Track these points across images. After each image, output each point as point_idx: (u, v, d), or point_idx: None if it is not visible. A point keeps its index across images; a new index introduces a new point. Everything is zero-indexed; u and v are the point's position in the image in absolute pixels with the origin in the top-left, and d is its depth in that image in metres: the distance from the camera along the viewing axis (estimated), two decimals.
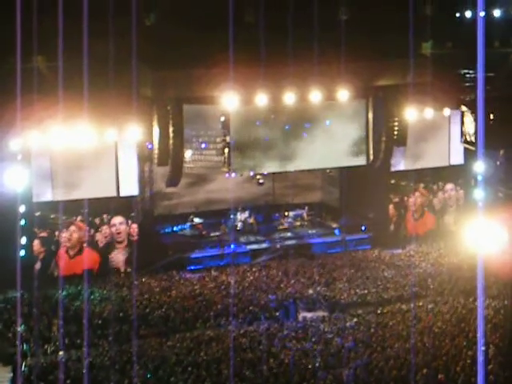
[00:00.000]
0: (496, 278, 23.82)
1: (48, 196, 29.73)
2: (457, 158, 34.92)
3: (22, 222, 28.11)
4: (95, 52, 26.61)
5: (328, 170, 36.63)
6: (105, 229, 31.13)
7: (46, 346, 23.12)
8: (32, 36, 26.22)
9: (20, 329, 23.54)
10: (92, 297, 27.32)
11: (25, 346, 22.88)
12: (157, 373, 20.87)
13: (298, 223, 35.84)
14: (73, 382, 20.20)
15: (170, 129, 30.53)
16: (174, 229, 34.83)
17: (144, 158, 31.44)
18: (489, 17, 34.10)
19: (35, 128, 28.35)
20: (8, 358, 22.78)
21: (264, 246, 33.17)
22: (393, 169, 34.49)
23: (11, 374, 21.32)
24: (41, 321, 24.55)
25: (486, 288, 21.37)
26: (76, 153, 29.18)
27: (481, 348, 18.68)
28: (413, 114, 33.10)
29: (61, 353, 22.55)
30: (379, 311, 26.06)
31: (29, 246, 28.87)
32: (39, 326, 24.17)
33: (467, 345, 22.00)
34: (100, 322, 24.94)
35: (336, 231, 34.85)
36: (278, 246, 33.09)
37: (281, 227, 35.33)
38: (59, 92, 26.23)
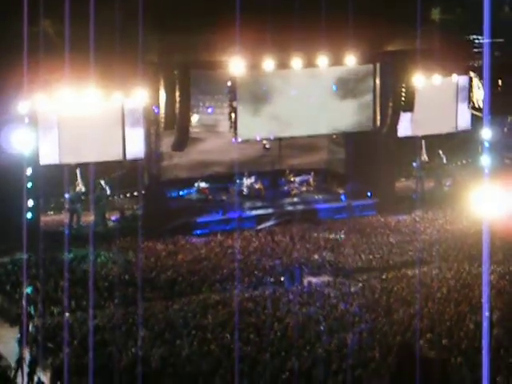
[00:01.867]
0: (501, 243, 23.88)
1: (55, 159, 29.79)
2: (464, 124, 34.86)
3: (29, 185, 28.19)
4: (102, 17, 26.49)
5: (334, 136, 36.54)
6: None
7: (52, 308, 23.29)
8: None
9: (27, 290, 23.69)
10: (98, 260, 27.46)
11: (32, 307, 23.05)
12: (163, 335, 21.02)
13: (304, 189, 35.82)
14: (79, 344, 20.34)
15: (177, 93, 30.50)
16: (181, 193, 34.88)
17: (150, 121, 31.43)
18: None
19: (42, 91, 28.36)
20: (15, 318, 22.98)
21: (270, 211, 33.20)
22: (399, 134, 34.41)
23: (18, 335, 21.48)
24: (47, 283, 24.73)
25: (491, 254, 21.39)
26: (83, 116, 29.20)
27: (485, 313, 18.76)
28: (420, 79, 32.97)
29: (67, 314, 22.72)
30: (384, 276, 26.16)
31: (35, 208, 28.97)
32: (46, 287, 24.35)
33: (471, 310, 22.09)
34: (106, 284, 25.07)
35: (342, 197, 34.85)
36: (284, 211, 33.14)
37: (289, 193, 35.31)
38: (66, 56, 26.16)
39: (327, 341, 20.66)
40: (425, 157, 35.66)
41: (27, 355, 20.14)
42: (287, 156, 36.35)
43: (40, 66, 26.74)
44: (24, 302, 23.00)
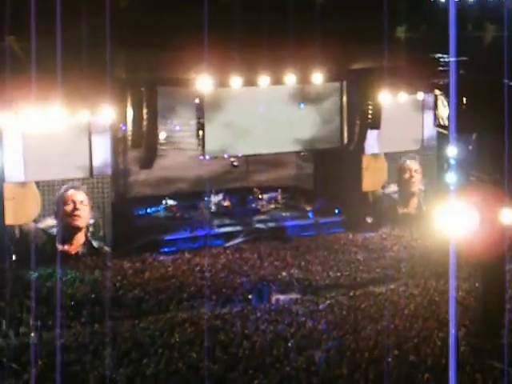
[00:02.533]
0: (467, 260, 24.04)
1: (20, 177, 29.56)
2: (430, 142, 35.15)
3: None
4: (68, 33, 26.42)
5: (302, 153, 36.68)
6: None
7: (17, 328, 23.03)
8: (4, 15, 25.99)
9: None
10: (65, 278, 27.24)
11: None
12: (129, 355, 20.89)
13: (272, 206, 35.87)
14: (45, 364, 20.16)
15: (144, 111, 30.40)
16: (148, 210, 34.76)
17: (118, 139, 31.31)
18: (462, 0, 34.25)
19: (7, 108, 28.11)
20: None
21: (238, 228, 33.18)
22: (366, 152, 34.60)
23: None
24: (12, 302, 24.46)
25: (457, 270, 21.56)
26: (49, 134, 28.97)
27: (452, 330, 18.89)
28: (387, 97, 33.20)
29: (32, 334, 22.50)
30: (351, 294, 26.21)
31: (1, 227, 28.67)
32: (10, 306, 24.09)
33: (438, 327, 22.23)
34: (72, 303, 24.89)
35: (310, 214, 34.93)
36: (252, 228, 33.14)
37: (257, 210, 35.34)
38: (32, 72, 26.02)
39: (295, 358, 20.67)
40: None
41: None
42: (255, 173, 36.42)
43: (5, 82, 26.57)
44: None
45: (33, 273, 27.08)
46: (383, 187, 35.10)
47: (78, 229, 30.40)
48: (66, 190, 30.25)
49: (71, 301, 25.01)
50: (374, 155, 34.61)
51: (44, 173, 29.64)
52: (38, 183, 29.77)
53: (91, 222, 30.65)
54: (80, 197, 30.40)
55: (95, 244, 30.51)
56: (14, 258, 28.79)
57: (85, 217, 30.51)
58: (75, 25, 27.21)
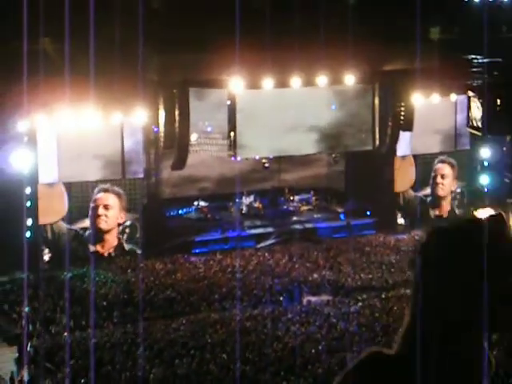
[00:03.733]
0: None
1: (54, 178, 29.79)
2: (463, 144, 34.91)
3: (28, 204, 28.16)
4: (102, 34, 26.54)
5: (334, 155, 36.57)
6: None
7: (51, 327, 23.23)
8: (39, 17, 26.16)
9: (26, 310, 23.64)
10: (97, 279, 27.41)
11: (30, 326, 22.99)
12: (161, 355, 20.96)
13: (304, 207, 35.83)
14: (78, 363, 20.30)
15: (176, 112, 30.53)
16: (180, 212, 34.85)
17: (150, 141, 31.45)
18: (496, 2, 33.90)
19: (42, 110, 28.33)
20: (14, 338, 22.91)
21: (269, 229, 33.17)
22: (399, 154, 34.45)
23: (17, 355, 21.41)
24: (46, 302, 24.66)
25: None
26: (82, 135, 29.19)
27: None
28: (419, 99, 33.02)
29: (65, 334, 22.66)
30: (383, 296, 26.12)
31: (34, 228, 28.93)
32: (44, 307, 24.29)
33: None
34: (105, 303, 25.04)
35: (341, 216, 34.84)
36: (283, 230, 33.12)
37: (288, 211, 35.31)
38: (65, 74, 26.17)
39: (327, 360, 20.61)
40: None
41: (26, 375, 20.07)
42: (286, 174, 36.40)
43: (39, 84, 26.74)
44: (23, 322, 22.95)
45: (66, 273, 27.26)
46: (415, 189, 34.93)
47: (105, 231, 30.59)
48: (97, 193, 30.47)
49: (104, 301, 25.13)
50: (405, 157, 34.49)
51: (77, 174, 29.85)
52: (70, 184, 30.01)
53: (127, 223, 30.85)
54: (105, 200, 30.58)
55: (126, 246, 30.66)
56: (47, 258, 29.02)
57: (110, 220, 30.66)
58: (108, 27, 27.32)
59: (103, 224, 30.67)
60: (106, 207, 30.70)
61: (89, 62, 25.98)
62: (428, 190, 35.24)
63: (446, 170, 35.25)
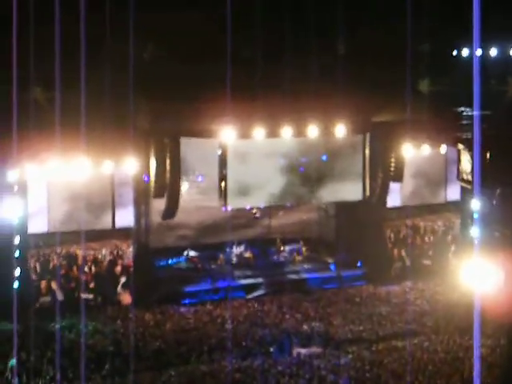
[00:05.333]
0: (491, 316, 23.75)
1: (43, 227, 29.69)
2: (453, 196, 35.03)
3: (17, 254, 28.00)
4: (93, 84, 26.71)
5: (324, 205, 36.63)
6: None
7: (37, 380, 22.94)
8: (29, 66, 26.34)
9: (12, 362, 23.36)
10: (86, 329, 27.16)
11: (16, 379, 22.70)
12: None
13: (294, 258, 35.75)
14: None
15: (167, 161, 30.56)
16: (169, 262, 34.72)
17: (140, 190, 31.44)
18: (485, 55, 34.34)
19: (32, 160, 28.35)
20: None
21: (260, 280, 33.04)
22: (389, 205, 34.51)
23: None
24: (33, 353, 24.39)
25: (482, 326, 21.29)
26: (72, 185, 29.18)
27: None
28: (410, 150, 33.20)
29: None
30: (374, 348, 25.95)
31: (23, 278, 28.71)
32: (31, 358, 24.01)
33: None
34: (93, 355, 24.78)
35: (331, 266, 34.76)
36: (274, 280, 32.98)
37: (279, 262, 35.23)
38: (56, 124, 26.26)
39: None
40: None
41: None
42: (277, 225, 36.39)
43: (30, 133, 26.80)
44: (9, 374, 22.68)
45: (54, 324, 27.05)
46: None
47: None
48: None
49: (91, 353, 24.87)
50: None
51: (67, 224, 29.77)
52: None
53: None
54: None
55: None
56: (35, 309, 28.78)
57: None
58: (99, 76, 27.50)
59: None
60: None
61: (80, 111, 26.12)
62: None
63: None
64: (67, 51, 25.62)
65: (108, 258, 31.36)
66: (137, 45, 28.54)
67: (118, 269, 31.18)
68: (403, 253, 34.69)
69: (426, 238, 35.74)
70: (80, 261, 30.40)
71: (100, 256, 31.24)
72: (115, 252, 31.53)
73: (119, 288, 30.63)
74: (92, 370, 23.80)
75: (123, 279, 30.76)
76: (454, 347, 25.28)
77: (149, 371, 24.08)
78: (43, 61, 26.23)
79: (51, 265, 30.23)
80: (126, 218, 31.05)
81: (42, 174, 28.84)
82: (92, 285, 30.41)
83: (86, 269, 30.48)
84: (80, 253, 30.37)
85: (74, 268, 30.42)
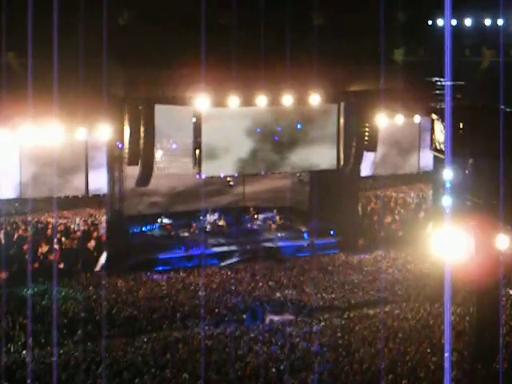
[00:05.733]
0: (462, 285, 23.99)
1: (16, 193, 29.52)
2: (426, 165, 35.22)
3: None
4: (67, 49, 26.48)
5: (298, 174, 36.71)
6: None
7: (9, 345, 22.93)
8: (2, 31, 26.05)
9: None
10: (58, 296, 27.15)
11: None
12: (121, 374, 20.77)
13: (267, 226, 35.87)
14: (37, 382, 20.04)
15: (141, 128, 30.44)
16: (143, 229, 34.71)
17: (114, 157, 31.31)
18: (460, 26, 34.41)
19: (4, 125, 28.11)
20: None
21: (233, 248, 33.14)
22: (362, 174, 34.65)
23: None
24: (5, 319, 24.35)
25: (452, 295, 21.53)
26: (45, 150, 28.99)
27: (447, 354, 18.81)
28: (384, 120, 33.28)
29: (24, 352, 22.39)
30: (346, 316, 26.15)
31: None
32: (3, 324, 23.98)
33: (432, 351, 22.15)
34: (66, 321, 24.79)
35: (305, 235, 34.91)
36: (247, 248, 33.10)
37: (252, 230, 35.35)
38: (29, 89, 26.03)
39: (288, 380, 20.57)
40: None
41: None
42: (250, 193, 36.44)
43: (2, 98, 26.57)
44: None
45: (27, 290, 27.01)
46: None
47: None
48: None
49: (64, 319, 24.88)
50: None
51: (40, 190, 29.63)
52: None
53: None
54: None
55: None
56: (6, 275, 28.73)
57: None
58: (73, 41, 27.26)
59: None
60: None
61: (53, 76, 25.87)
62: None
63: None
64: (41, 16, 25.33)
65: (82, 228, 31.30)
66: (112, 11, 28.31)
67: (92, 244, 31.12)
68: (376, 222, 34.97)
69: (398, 208, 36.03)
70: (51, 231, 30.37)
71: (73, 226, 31.16)
72: (89, 221, 31.47)
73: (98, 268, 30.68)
74: (64, 335, 23.80)
75: (103, 260, 30.75)
76: (424, 315, 25.54)
77: (121, 337, 24.09)
78: (16, 26, 25.94)
79: (20, 232, 30.16)
80: (99, 184, 30.90)
81: (14, 139, 28.57)
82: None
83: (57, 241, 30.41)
84: (52, 221, 30.30)
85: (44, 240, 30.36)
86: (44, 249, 29.98)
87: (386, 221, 35.35)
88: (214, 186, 35.15)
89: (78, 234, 31.13)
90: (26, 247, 29.60)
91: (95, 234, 31.38)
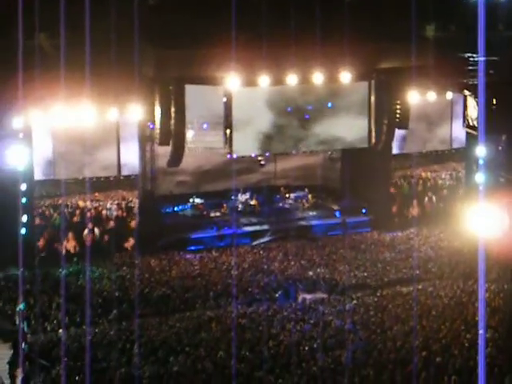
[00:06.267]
0: (496, 261, 23.85)
1: (49, 174, 29.76)
2: (459, 142, 34.96)
3: (24, 200, 28.09)
4: (98, 30, 26.50)
5: (330, 152, 36.60)
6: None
7: (45, 324, 23.20)
8: (34, 12, 26.12)
9: (20, 306, 23.59)
10: (92, 275, 27.38)
11: (25, 323, 22.95)
12: (156, 353, 20.93)
13: (299, 205, 35.86)
14: (72, 360, 20.27)
15: (172, 109, 30.47)
16: (175, 209, 34.85)
17: (145, 137, 31.41)
18: (494, 0, 33.87)
19: (37, 106, 28.26)
20: (8, 335, 22.87)
21: (265, 227, 33.18)
22: (394, 151, 34.47)
23: (11, 351, 21.38)
24: (41, 299, 24.63)
25: (486, 272, 21.40)
26: (78, 132, 29.17)
27: (481, 331, 18.70)
28: (415, 96, 33.03)
29: (60, 331, 22.64)
30: (378, 294, 26.14)
31: (30, 224, 28.86)
32: (39, 303, 24.25)
33: (465, 328, 22.05)
34: (100, 300, 25.01)
35: (337, 213, 34.86)
36: (279, 227, 33.12)
37: (284, 209, 35.36)
38: (61, 70, 26.13)
39: (321, 358, 20.60)
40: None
41: (20, 372, 20.04)
42: (282, 172, 36.41)
43: (35, 80, 26.69)
44: (17, 319, 22.92)
45: (61, 270, 27.27)
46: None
47: None
48: None
49: (99, 298, 25.11)
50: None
51: (72, 171, 29.84)
52: None
53: None
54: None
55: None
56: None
57: None
58: (104, 22, 27.27)
59: None
60: None
61: (84, 57, 25.95)
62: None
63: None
64: None
65: (114, 213, 31.47)
66: None
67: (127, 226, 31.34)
68: (408, 200, 34.83)
69: (431, 186, 35.84)
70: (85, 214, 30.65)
71: (105, 211, 31.34)
72: (123, 205, 31.63)
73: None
74: (99, 314, 24.03)
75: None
76: (457, 292, 25.43)
77: (155, 316, 24.29)
78: (48, 7, 25.99)
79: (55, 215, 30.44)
80: (131, 165, 31.03)
81: (47, 120, 28.74)
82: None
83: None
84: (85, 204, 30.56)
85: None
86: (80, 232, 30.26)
87: (418, 199, 35.18)
88: (242, 164, 35.12)
89: (114, 216, 31.32)
90: (60, 229, 29.83)
91: (129, 219, 31.55)
